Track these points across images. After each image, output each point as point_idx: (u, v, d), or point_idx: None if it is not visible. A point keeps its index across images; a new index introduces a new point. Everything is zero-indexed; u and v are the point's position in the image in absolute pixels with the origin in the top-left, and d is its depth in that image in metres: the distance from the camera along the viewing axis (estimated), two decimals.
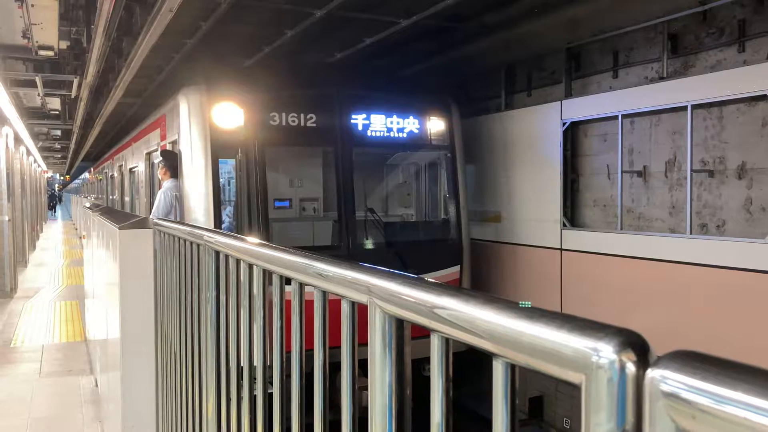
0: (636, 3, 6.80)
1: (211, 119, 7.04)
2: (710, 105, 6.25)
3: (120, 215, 5.37)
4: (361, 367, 1.34)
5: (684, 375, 0.60)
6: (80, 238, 18.08)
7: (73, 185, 69.58)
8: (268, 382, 1.88)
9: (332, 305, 1.47)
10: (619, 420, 0.67)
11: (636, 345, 0.68)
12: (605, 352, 0.68)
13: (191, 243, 2.65)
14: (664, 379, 0.62)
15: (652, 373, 0.64)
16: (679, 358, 0.62)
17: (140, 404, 3.69)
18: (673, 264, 6.32)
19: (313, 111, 7.36)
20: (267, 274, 1.83)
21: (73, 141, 20.99)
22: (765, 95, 5.65)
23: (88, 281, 8.36)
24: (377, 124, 7.68)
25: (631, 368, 0.66)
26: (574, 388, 0.73)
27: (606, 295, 7.07)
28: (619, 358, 0.67)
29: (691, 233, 6.33)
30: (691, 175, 6.39)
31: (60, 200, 68.43)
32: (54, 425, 5.91)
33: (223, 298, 2.27)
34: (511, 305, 0.85)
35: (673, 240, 6.43)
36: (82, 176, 50.34)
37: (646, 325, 6.46)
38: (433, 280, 1.08)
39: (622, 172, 7.19)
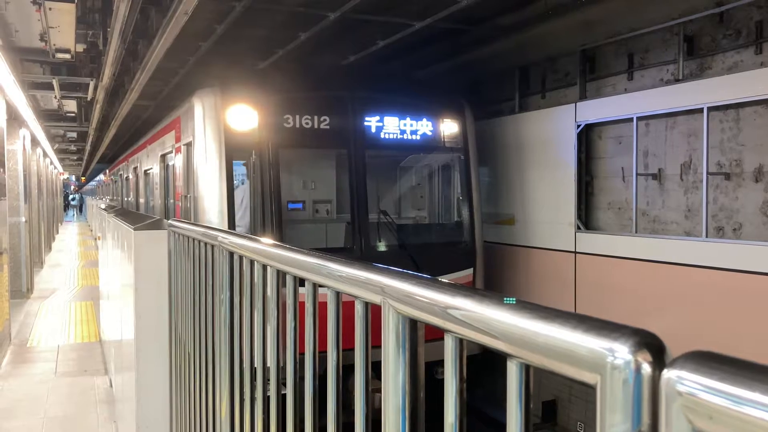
0: (651, 5, 6.76)
1: (226, 121, 7.07)
2: (727, 107, 6.20)
3: (135, 216, 5.41)
4: (374, 370, 1.34)
5: (700, 375, 0.59)
6: (95, 239, 18.22)
7: (88, 187, 69.34)
8: (281, 383, 1.88)
9: (345, 308, 1.47)
10: (635, 421, 0.66)
11: (652, 345, 0.67)
12: (621, 352, 0.68)
13: (205, 244, 2.66)
14: (680, 379, 0.61)
15: (668, 373, 0.63)
16: (696, 359, 0.62)
17: (154, 405, 3.71)
18: (688, 267, 6.27)
19: (327, 113, 7.37)
20: (281, 275, 1.83)
21: (89, 143, 21.16)
22: None
23: (103, 282, 8.42)
24: (390, 126, 7.68)
25: (646, 369, 0.66)
26: (588, 393, 0.72)
27: (620, 299, 7.02)
28: (635, 359, 0.67)
29: (707, 236, 6.28)
30: (707, 177, 6.33)
31: (80, 207, 60.01)
32: (69, 425, 5.96)
33: (237, 299, 2.28)
34: (525, 305, 0.85)
35: (688, 243, 6.37)
36: (98, 178, 50.68)
37: (662, 329, 6.38)
38: (447, 281, 1.08)
39: (637, 174, 7.14)
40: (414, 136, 7.83)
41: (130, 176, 16.22)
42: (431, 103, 8.06)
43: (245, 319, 2.18)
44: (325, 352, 1.51)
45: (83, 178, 59.86)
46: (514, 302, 0.84)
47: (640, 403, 0.66)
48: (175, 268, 3.46)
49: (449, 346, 1.02)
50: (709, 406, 0.58)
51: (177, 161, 8.65)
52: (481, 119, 8.87)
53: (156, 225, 3.89)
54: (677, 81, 6.70)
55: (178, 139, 8.52)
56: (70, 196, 57.48)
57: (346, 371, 1.45)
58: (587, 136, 7.85)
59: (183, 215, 8.00)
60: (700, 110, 6.31)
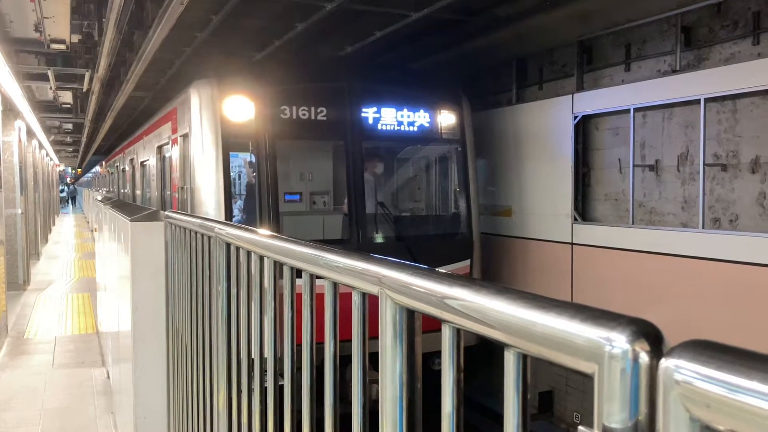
0: None
1: (222, 112, 7.05)
2: (723, 98, 6.20)
3: (131, 208, 5.40)
4: (371, 361, 1.34)
5: (698, 364, 0.59)
6: (92, 231, 18.19)
7: (84, 179, 69.01)
8: (278, 374, 1.88)
9: (342, 300, 1.47)
10: (632, 410, 0.66)
11: (649, 334, 0.67)
12: (618, 341, 0.68)
13: (202, 235, 2.65)
14: (678, 368, 0.61)
15: (665, 362, 0.63)
16: (693, 348, 0.61)
17: (152, 396, 3.71)
18: (685, 259, 6.28)
19: (324, 104, 7.35)
20: (278, 266, 1.83)
21: (85, 134, 21.09)
22: None
23: (100, 274, 8.41)
24: (388, 117, 7.67)
25: (644, 358, 0.66)
26: (584, 383, 0.72)
27: (617, 290, 7.04)
28: (633, 348, 0.67)
29: (703, 228, 6.29)
30: (704, 169, 6.34)
31: (73, 200, 59.01)
32: (66, 416, 5.96)
33: (234, 290, 2.27)
34: (522, 295, 0.85)
35: (685, 234, 6.38)
36: (94, 169, 50.55)
37: (658, 320, 6.40)
38: (444, 271, 1.07)
39: (633, 166, 7.14)
40: (411, 128, 7.82)
41: (127, 168, 16.19)
42: (428, 95, 8.05)
43: (242, 311, 2.18)
44: (323, 343, 1.50)
45: (79, 169, 59.67)
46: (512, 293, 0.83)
47: (637, 392, 0.66)
48: (171, 260, 3.46)
49: (446, 336, 1.02)
50: (706, 394, 0.58)
51: (173, 152, 8.63)
52: (479, 110, 8.86)
53: (152, 216, 3.89)
54: (674, 72, 6.69)
55: (174, 131, 8.49)
56: (59, 188, 55.96)
57: (344, 362, 1.45)
58: (584, 128, 7.85)
59: (180, 206, 7.99)
60: (697, 101, 6.31)
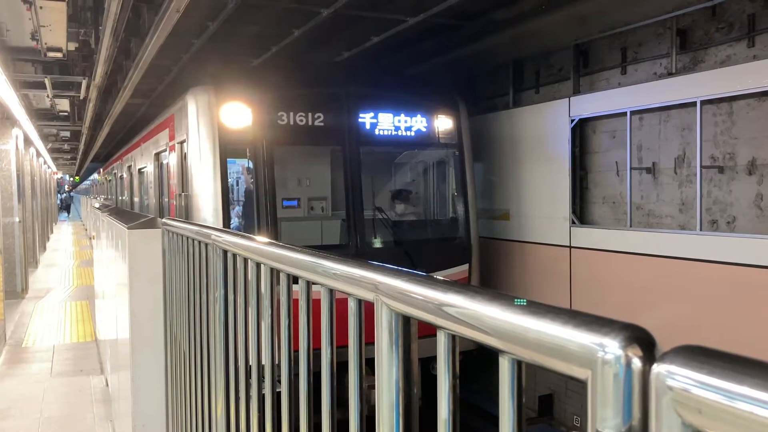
0: None
1: (220, 119, 7.06)
2: (720, 100, 6.21)
3: (129, 215, 5.40)
4: (369, 366, 1.34)
5: (690, 370, 0.60)
6: (90, 238, 18.17)
7: (82, 186, 68.94)
8: (276, 381, 1.88)
9: (340, 306, 1.47)
10: (626, 415, 0.67)
11: (642, 340, 0.67)
12: (611, 347, 0.68)
13: (199, 242, 2.65)
14: (670, 374, 0.61)
15: (658, 368, 0.63)
16: (686, 353, 0.62)
17: (150, 403, 3.70)
18: (683, 261, 6.29)
19: (321, 110, 7.36)
20: (275, 273, 1.83)
21: (83, 142, 21.08)
22: None
23: (98, 281, 8.40)
24: (385, 122, 7.68)
25: (637, 363, 0.66)
26: (584, 387, 0.72)
27: (615, 293, 7.04)
28: (625, 354, 0.67)
29: (701, 230, 6.30)
30: (701, 171, 6.35)
31: (67, 208, 59.02)
32: (65, 424, 5.95)
33: (231, 297, 2.27)
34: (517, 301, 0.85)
35: (682, 237, 6.39)
36: (92, 177, 50.50)
37: (656, 322, 6.43)
38: (439, 278, 1.08)
39: (631, 168, 7.15)
40: (408, 133, 7.83)
41: (125, 175, 16.18)
42: (425, 99, 8.06)
43: (240, 317, 2.18)
44: (320, 349, 1.51)
45: (77, 177, 59.66)
46: (525, 303, 0.83)
47: (630, 397, 0.66)
48: (169, 267, 3.46)
49: (442, 342, 1.02)
50: (698, 400, 0.58)
51: (171, 159, 8.63)
52: (476, 114, 8.87)
53: (150, 224, 3.88)
54: (670, 75, 6.71)
55: (172, 137, 8.49)
56: None
57: (341, 368, 1.45)
58: (581, 131, 7.86)
59: (177, 214, 7.98)
60: (694, 104, 6.33)
